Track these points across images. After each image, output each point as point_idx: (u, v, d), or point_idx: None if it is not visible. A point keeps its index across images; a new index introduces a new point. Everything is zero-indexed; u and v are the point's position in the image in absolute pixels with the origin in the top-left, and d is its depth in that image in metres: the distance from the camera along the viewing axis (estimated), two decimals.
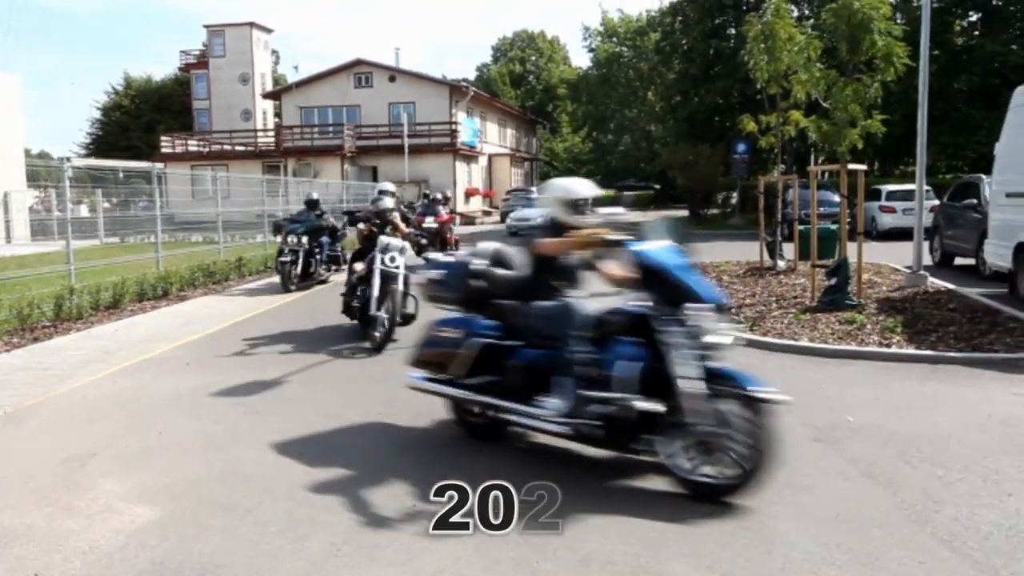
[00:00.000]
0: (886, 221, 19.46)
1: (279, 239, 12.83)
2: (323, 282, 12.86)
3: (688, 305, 3.86)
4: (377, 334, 7.55)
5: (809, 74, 9.29)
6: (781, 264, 12.29)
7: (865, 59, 8.86)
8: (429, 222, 15.10)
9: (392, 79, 39.29)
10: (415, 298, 7.76)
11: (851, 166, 9.02)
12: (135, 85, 59.92)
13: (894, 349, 7.00)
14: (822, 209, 11.56)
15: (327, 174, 32.36)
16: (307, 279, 12.45)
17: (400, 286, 7.71)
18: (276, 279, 12.61)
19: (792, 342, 7.43)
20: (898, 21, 11.67)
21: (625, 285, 4.20)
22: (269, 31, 54.09)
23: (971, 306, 8.48)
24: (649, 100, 53.42)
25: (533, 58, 71.71)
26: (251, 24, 51.44)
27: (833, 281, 8.79)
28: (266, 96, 49.13)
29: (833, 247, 10.17)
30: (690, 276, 3.99)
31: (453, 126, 37.02)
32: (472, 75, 70.10)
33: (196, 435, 5.10)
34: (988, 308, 8.32)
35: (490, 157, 43.53)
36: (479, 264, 4.74)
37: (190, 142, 40.28)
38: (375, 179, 32.22)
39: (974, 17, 30.33)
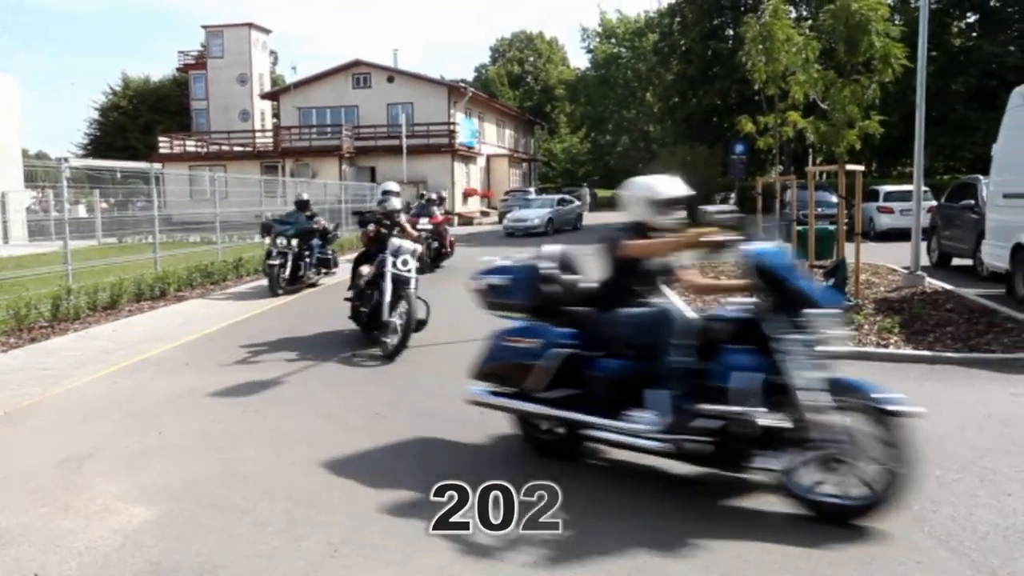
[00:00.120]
0: (884, 222, 19.47)
1: (267, 240, 12.35)
2: (312, 285, 12.48)
3: (807, 311, 3.57)
4: (389, 341, 7.19)
5: (807, 75, 9.32)
6: None
7: (863, 60, 8.88)
8: (423, 223, 13.95)
9: (390, 80, 39.32)
10: (426, 303, 7.62)
11: (849, 167, 9.03)
12: (133, 85, 59.92)
13: (892, 349, 7.01)
14: (820, 210, 11.58)
15: (325, 175, 32.33)
16: (296, 283, 11.98)
17: (414, 290, 7.38)
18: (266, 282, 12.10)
19: None
20: (896, 22, 11.66)
21: (706, 293, 3.88)
22: (267, 32, 54.17)
23: (968, 306, 8.49)
24: (647, 101, 53.49)
25: (531, 59, 71.72)
26: (249, 25, 51.48)
27: (831, 281, 8.75)
28: (264, 97, 49.18)
29: (831, 247, 10.20)
30: (804, 279, 3.72)
31: (451, 127, 37.03)
32: (470, 76, 70.24)
33: (194, 435, 5.09)
34: (985, 308, 8.32)
35: (488, 158, 43.54)
36: (548, 268, 4.36)
37: (188, 143, 40.22)
38: (373, 180, 32.16)
39: (972, 18, 30.44)
